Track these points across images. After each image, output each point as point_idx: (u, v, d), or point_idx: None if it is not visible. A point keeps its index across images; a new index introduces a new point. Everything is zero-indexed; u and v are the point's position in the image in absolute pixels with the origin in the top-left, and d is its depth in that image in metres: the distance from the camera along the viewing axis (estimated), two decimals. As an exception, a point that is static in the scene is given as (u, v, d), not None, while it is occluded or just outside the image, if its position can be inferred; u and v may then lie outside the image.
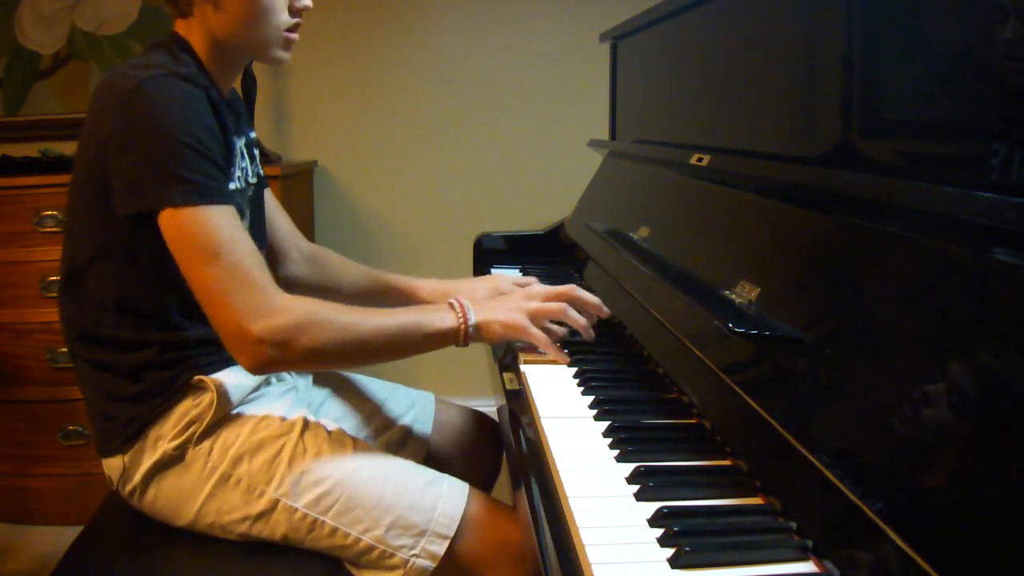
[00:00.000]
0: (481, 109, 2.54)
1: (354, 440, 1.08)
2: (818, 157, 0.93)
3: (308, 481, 1.01)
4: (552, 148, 2.52)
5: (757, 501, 0.72)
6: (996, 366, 0.53)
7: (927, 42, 0.75)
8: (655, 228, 1.25)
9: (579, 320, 1.10)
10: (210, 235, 0.94)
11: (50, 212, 1.99)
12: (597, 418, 0.90)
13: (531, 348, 1.09)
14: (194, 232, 0.94)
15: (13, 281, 2.03)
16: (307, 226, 2.49)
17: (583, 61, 2.44)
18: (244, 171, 1.14)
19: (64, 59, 2.44)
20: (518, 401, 1.00)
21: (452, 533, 1.00)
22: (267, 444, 1.03)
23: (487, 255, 1.72)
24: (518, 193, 2.55)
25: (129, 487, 1.05)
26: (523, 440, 0.90)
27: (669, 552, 0.62)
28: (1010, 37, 0.62)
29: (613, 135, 1.83)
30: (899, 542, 0.52)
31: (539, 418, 0.90)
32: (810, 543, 0.63)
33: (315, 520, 1.00)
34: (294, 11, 1.08)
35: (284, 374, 1.20)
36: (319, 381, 1.30)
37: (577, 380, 1.01)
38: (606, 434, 0.85)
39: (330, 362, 1.12)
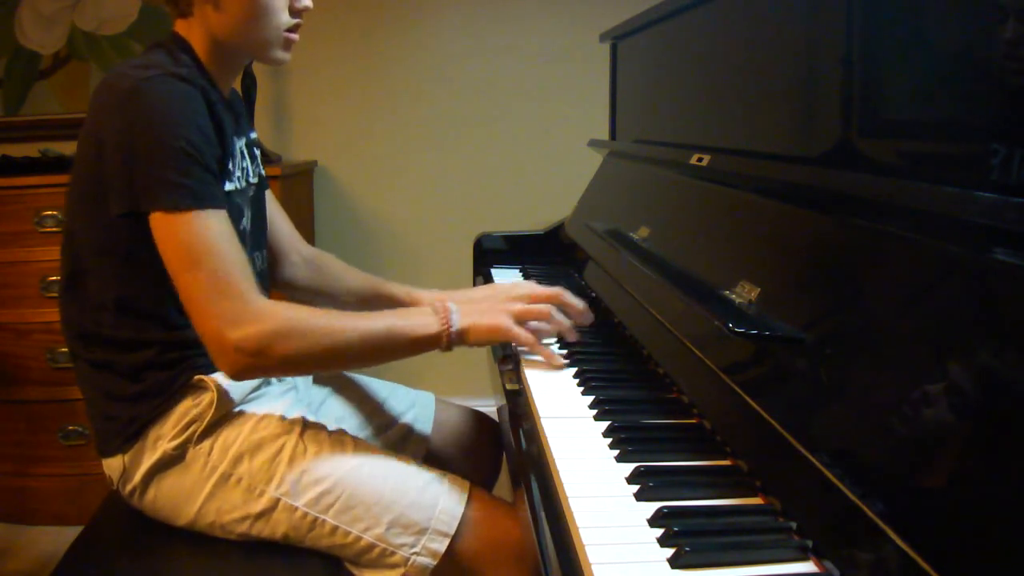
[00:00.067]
0: (481, 109, 2.54)
1: (354, 439, 1.08)
2: (818, 157, 0.93)
3: (308, 480, 1.01)
4: (552, 148, 2.52)
5: (757, 501, 0.72)
6: (996, 366, 0.53)
7: (927, 42, 0.75)
8: (655, 228, 1.25)
9: (563, 322, 1.10)
10: (196, 240, 0.94)
11: (50, 212, 1.99)
12: (597, 418, 0.90)
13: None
14: (181, 237, 0.94)
15: (13, 281, 2.03)
16: (307, 226, 2.49)
17: (583, 61, 2.44)
18: (244, 171, 1.14)
19: (64, 59, 2.44)
20: (518, 401, 1.00)
21: (453, 531, 1.00)
22: (267, 443, 1.03)
23: (487, 255, 1.72)
24: (518, 193, 2.55)
25: (129, 487, 1.05)
26: (523, 440, 0.90)
27: (669, 552, 0.62)
28: (1010, 37, 0.62)
29: (613, 135, 1.83)
30: (899, 542, 0.52)
31: (539, 418, 0.90)
32: (810, 543, 0.63)
33: (316, 519, 1.00)
34: (294, 11, 1.08)
35: (284, 374, 1.20)
36: (319, 381, 1.30)
37: (577, 380, 1.01)
38: (606, 434, 0.85)
39: (310, 368, 1.11)
